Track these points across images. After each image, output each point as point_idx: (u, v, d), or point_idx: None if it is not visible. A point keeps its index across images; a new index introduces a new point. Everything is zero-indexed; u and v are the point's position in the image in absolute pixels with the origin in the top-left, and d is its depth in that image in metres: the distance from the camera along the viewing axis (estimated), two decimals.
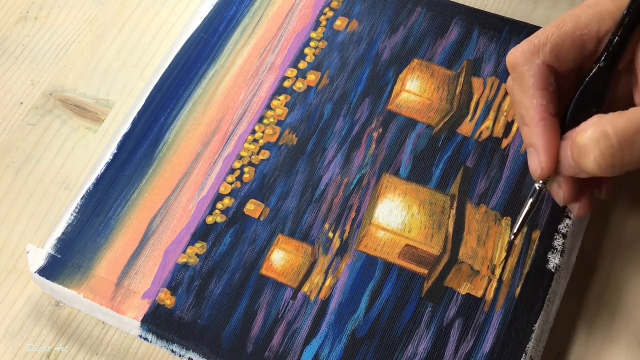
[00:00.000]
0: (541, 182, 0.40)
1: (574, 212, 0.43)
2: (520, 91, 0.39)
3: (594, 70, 0.38)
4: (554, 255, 0.42)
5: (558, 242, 0.43)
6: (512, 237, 0.42)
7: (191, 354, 0.41)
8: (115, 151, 0.47)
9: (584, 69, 0.40)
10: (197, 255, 0.44)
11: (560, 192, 0.40)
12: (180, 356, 0.41)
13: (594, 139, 0.35)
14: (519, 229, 0.41)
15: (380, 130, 0.47)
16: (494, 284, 0.42)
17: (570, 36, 0.38)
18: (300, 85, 0.49)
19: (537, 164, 0.39)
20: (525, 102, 0.39)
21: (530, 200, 0.41)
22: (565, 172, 0.38)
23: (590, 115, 0.37)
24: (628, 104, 0.38)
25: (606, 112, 0.36)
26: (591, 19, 0.38)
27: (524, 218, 0.41)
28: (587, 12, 0.38)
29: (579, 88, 0.39)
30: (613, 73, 0.38)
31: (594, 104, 0.38)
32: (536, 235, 0.43)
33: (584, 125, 0.36)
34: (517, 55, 0.39)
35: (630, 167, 0.35)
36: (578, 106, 0.39)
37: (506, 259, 0.42)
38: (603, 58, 0.38)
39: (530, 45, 0.39)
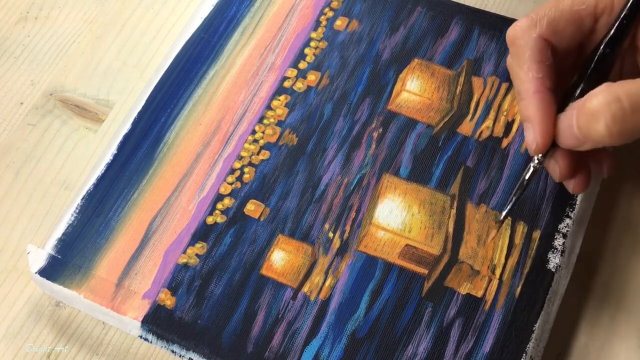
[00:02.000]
0: (537, 160, 0.40)
1: (569, 188, 0.42)
2: (516, 65, 0.40)
3: (601, 51, 0.39)
4: (554, 255, 0.42)
5: (558, 242, 0.43)
6: (503, 216, 0.42)
7: (191, 354, 0.41)
8: (115, 151, 0.47)
9: (583, 48, 0.40)
10: (197, 255, 0.44)
11: (556, 168, 0.40)
12: (180, 356, 0.41)
13: (605, 103, 0.35)
14: (510, 208, 0.41)
15: (380, 130, 0.47)
16: (494, 284, 0.42)
17: (567, 11, 0.39)
18: (300, 85, 0.49)
19: (532, 137, 0.39)
20: (521, 75, 0.39)
21: (526, 177, 0.40)
22: (566, 143, 0.38)
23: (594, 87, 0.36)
24: (633, 73, 0.38)
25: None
26: None
27: (517, 197, 0.41)
28: None
29: (583, 64, 0.39)
30: (618, 49, 0.38)
31: (597, 80, 0.38)
32: (536, 234, 0.43)
33: (592, 92, 0.36)
34: (516, 29, 0.40)
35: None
36: (581, 80, 0.39)
37: (508, 248, 0.42)
38: (609, 36, 0.38)
39: (528, 20, 0.39)
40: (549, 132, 0.38)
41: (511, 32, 0.40)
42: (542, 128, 0.38)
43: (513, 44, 0.40)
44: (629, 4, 0.38)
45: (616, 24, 0.38)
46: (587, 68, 0.39)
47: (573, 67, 0.40)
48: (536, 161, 0.40)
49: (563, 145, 0.38)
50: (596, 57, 0.39)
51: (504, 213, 0.42)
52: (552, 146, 0.39)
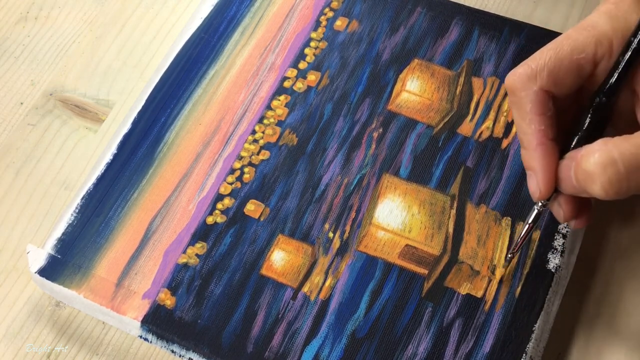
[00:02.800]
0: (540, 204, 0.39)
1: (571, 225, 0.42)
2: (518, 116, 0.39)
3: (598, 100, 0.38)
4: (554, 255, 0.42)
5: (558, 242, 0.43)
6: (510, 256, 0.41)
7: (191, 354, 0.41)
8: (115, 151, 0.47)
9: (584, 90, 0.39)
10: (197, 255, 0.44)
11: (560, 212, 0.40)
12: (180, 356, 0.41)
13: (600, 165, 0.35)
14: (517, 248, 0.41)
15: (380, 130, 0.47)
16: (494, 284, 0.42)
17: (567, 60, 0.38)
18: (300, 85, 0.49)
19: (535, 186, 0.39)
20: (524, 127, 0.39)
21: (530, 220, 0.40)
22: (566, 190, 0.38)
23: (593, 137, 0.36)
24: (629, 119, 0.38)
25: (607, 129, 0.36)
26: (588, 41, 0.38)
27: (522, 237, 0.41)
28: (584, 35, 0.38)
29: (581, 112, 0.39)
30: (616, 98, 0.38)
31: (597, 127, 0.38)
32: (536, 235, 0.43)
33: (588, 148, 0.36)
34: (515, 79, 0.39)
35: (637, 192, 0.35)
36: (580, 130, 0.38)
37: (508, 248, 0.42)
38: (607, 86, 0.38)
39: (528, 70, 0.38)
40: (551, 181, 0.38)
41: (511, 83, 0.39)
42: (545, 178, 0.38)
43: (514, 94, 0.39)
44: (628, 52, 0.37)
45: (615, 73, 0.38)
46: (584, 115, 0.38)
47: (571, 108, 0.40)
48: (540, 204, 0.40)
49: (564, 192, 0.38)
50: (594, 106, 0.38)
51: (509, 255, 0.42)
52: (554, 191, 0.39)
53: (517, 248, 0.41)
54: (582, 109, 0.39)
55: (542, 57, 0.38)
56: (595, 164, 0.35)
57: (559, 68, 0.38)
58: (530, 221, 0.40)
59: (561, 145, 0.39)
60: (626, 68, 0.37)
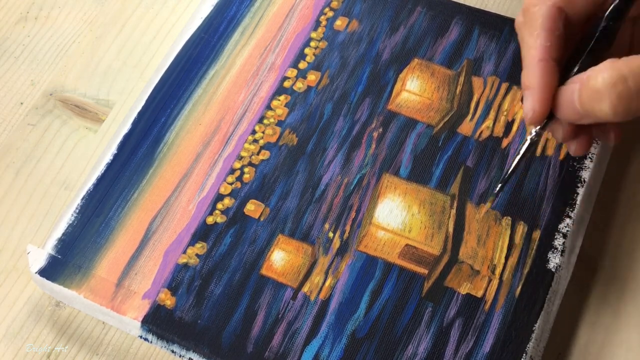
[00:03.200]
0: (534, 132, 0.39)
1: (571, 151, 0.41)
2: (527, 31, 0.39)
3: (609, 11, 0.39)
4: (554, 255, 0.42)
5: (558, 242, 0.43)
6: (499, 187, 0.41)
7: (191, 354, 0.41)
8: (115, 151, 0.47)
9: (592, 22, 0.40)
10: (197, 255, 0.44)
11: (559, 130, 0.40)
12: (180, 356, 0.41)
13: (609, 82, 0.35)
14: (508, 177, 0.41)
15: (380, 129, 0.47)
16: (494, 284, 0.42)
17: None
18: (300, 85, 0.49)
19: (530, 105, 0.38)
20: (530, 42, 0.39)
21: (522, 151, 0.40)
22: (565, 116, 0.38)
23: (597, 61, 0.36)
24: (629, 51, 0.38)
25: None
26: None
27: (513, 167, 0.41)
28: None
29: (585, 36, 0.39)
30: (621, 21, 0.38)
31: (602, 50, 0.38)
32: (536, 234, 0.43)
33: (595, 68, 0.35)
34: None
35: None
36: (583, 51, 0.39)
37: (508, 248, 0.42)
38: (612, 6, 0.38)
39: None
40: (547, 101, 0.38)
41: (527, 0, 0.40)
42: (541, 97, 0.38)
43: (527, 11, 0.40)
44: None
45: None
46: (590, 39, 0.39)
47: (579, 37, 0.40)
48: (533, 133, 0.39)
49: (562, 118, 0.38)
50: (600, 28, 0.38)
51: (498, 186, 0.41)
52: (549, 118, 0.38)
53: (506, 178, 0.41)
54: (585, 38, 0.39)
55: None
56: (604, 81, 0.35)
57: None
58: (522, 152, 0.40)
59: (563, 73, 0.39)
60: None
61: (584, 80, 0.36)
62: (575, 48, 0.40)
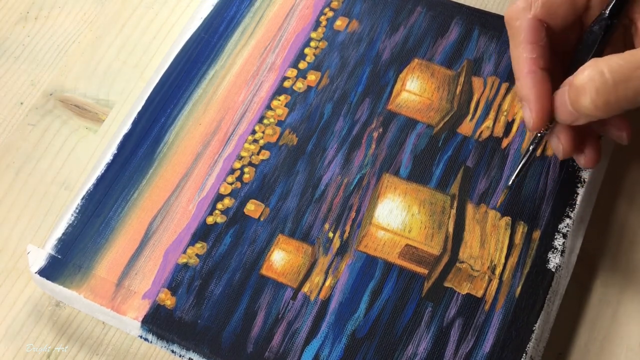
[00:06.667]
0: (539, 135, 0.41)
1: (580, 164, 0.43)
2: (512, 45, 0.41)
3: (597, 21, 0.40)
4: (554, 255, 0.42)
5: (558, 242, 0.43)
6: (510, 183, 0.42)
7: (191, 354, 0.41)
8: (115, 151, 0.47)
9: (582, 26, 0.41)
10: (197, 255, 0.44)
11: (559, 146, 0.41)
12: (180, 356, 0.41)
13: (589, 78, 0.36)
14: (518, 174, 0.42)
15: (380, 130, 0.47)
16: (494, 284, 0.42)
17: None
18: (300, 85, 0.49)
19: (529, 115, 0.40)
20: (516, 55, 0.41)
21: (531, 147, 0.41)
22: (562, 118, 0.39)
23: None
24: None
25: None
26: None
27: (524, 163, 0.42)
28: None
29: (580, 43, 0.40)
30: (615, 25, 0.39)
31: (594, 54, 0.40)
32: (536, 234, 0.43)
33: (581, 68, 0.37)
34: (512, 9, 0.41)
35: (626, 105, 0.36)
36: (577, 60, 0.40)
37: (508, 248, 0.43)
38: (608, 10, 0.39)
39: (524, 2, 0.41)
40: (543, 109, 0.39)
41: (507, 14, 0.41)
42: (537, 106, 0.39)
43: (509, 25, 0.41)
44: None
45: (610, 3, 0.39)
46: (580, 45, 0.40)
47: (571, 44, 0.42)
48: (539, 135, 0.41)
49: (560, 121, 0.40)
50: (587, 34, 0.40)
51: (511, 178, 0.42)
52: (552, 123, 0.40)
53: (518, 174, 0.42)
54: (579, 43, 0.41)
55: None
56: (584, 77, 0.36)
57: None
58: (531, 147, 0.41)
59: (558, 77, 0.40)
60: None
61: (571, 81, 0.38)
62: (574, 52, 0.41)
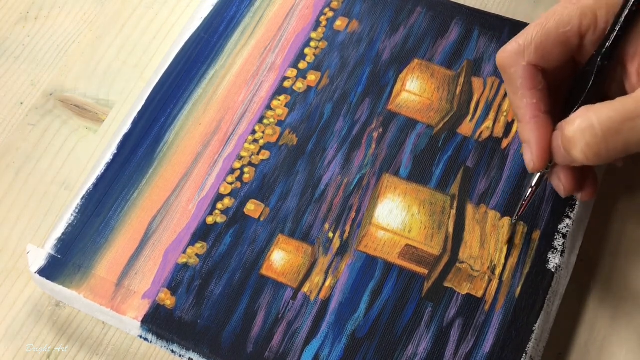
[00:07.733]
0: (539, 174, 0.41)
1: (577, 198, 0.43)
2: (510, 92, 0.40)
3: (589, 63, 0.39)
4: (554, 255, 0.42)
5: (558, 242, 0.43)
6: (515, 220, 0.43)
7: (191, 354, 0.41)
8: (115, 151, 0.47)
9: (576, 63, 0.40)
10: (197, 255, 0.44)
11: (560, 185, 0.41)
12: (180, 356, 0.41)
13: (579, 130, 0.36)
14: (522, 211, 0.42)
15: (380, 130, 0.47)
16: (494, 284, 0.42)
17: (553, 34, 0.39)
18: (300, 85, 0.49)
19: (530, 157, 0.40)
20: (516, 102, 0.40)
21: (533, 183, 0.41)
22: (559, 161, 0.39)
23: (592, 100, 0.37)
24: (619, 91, 0.39)
25: (601, 100, 0.37)
26: (573, 15, 0.39)
27: (527, 199, 0.42)
28: (568, 9, 0.39)
29: (573, 83, 0.40)
30: (606, 69, 0.39)
31: (587, 97, 0.39)
32: (536, 235, 0.43)
33: (572, 116, 0.37)
34: (505, 56, 0.40)
35: (617, 155, 0.36)
36: (571, 100, 0.40)
37: (508, 248, 0.43)
38: (600, 57, 0.39)
39: (516, 46, 0.40)
40: (544, 153, 0.39)
41: (500, 60, 0.40)
42: (538, 150, 0.39)
43: (504, 71, 0.40)
44: (616, 26, 0.38)
45: (603, 44, 0.39)
46: (574, 87, 0.40)
47: (564, 81, 0.41)
48: (541, 172, 0.41)
49: (558, 162, 0.40)
50: (579, 75, 0.39)
51: (514, 216, 0.43)
52: (551, 162, 0.40)
53: (521, 211, 0.42)
54: (573, 83, 0.40)
55: (529, 33, 0.40)
56: (575, 129, 0.36)
57: (546, 42, 0.39)
58: (533, 184, 0.41)
59: (557, 118, 0.39)
60: (624, 28, 0.38)
61: (562, 127, 0.37)
62: (570, 91, 0.40)
